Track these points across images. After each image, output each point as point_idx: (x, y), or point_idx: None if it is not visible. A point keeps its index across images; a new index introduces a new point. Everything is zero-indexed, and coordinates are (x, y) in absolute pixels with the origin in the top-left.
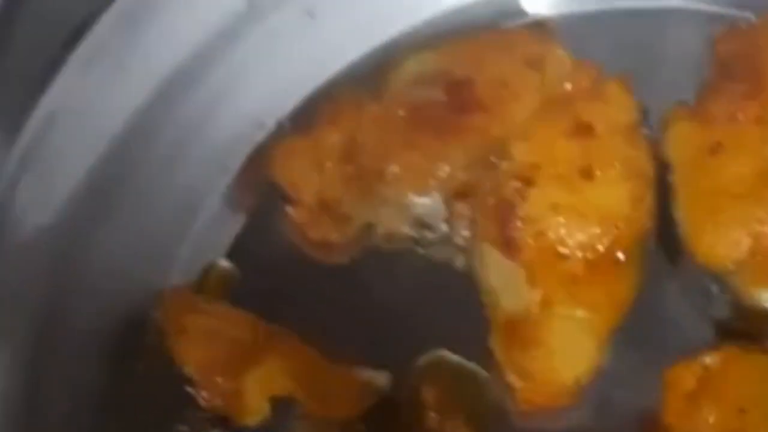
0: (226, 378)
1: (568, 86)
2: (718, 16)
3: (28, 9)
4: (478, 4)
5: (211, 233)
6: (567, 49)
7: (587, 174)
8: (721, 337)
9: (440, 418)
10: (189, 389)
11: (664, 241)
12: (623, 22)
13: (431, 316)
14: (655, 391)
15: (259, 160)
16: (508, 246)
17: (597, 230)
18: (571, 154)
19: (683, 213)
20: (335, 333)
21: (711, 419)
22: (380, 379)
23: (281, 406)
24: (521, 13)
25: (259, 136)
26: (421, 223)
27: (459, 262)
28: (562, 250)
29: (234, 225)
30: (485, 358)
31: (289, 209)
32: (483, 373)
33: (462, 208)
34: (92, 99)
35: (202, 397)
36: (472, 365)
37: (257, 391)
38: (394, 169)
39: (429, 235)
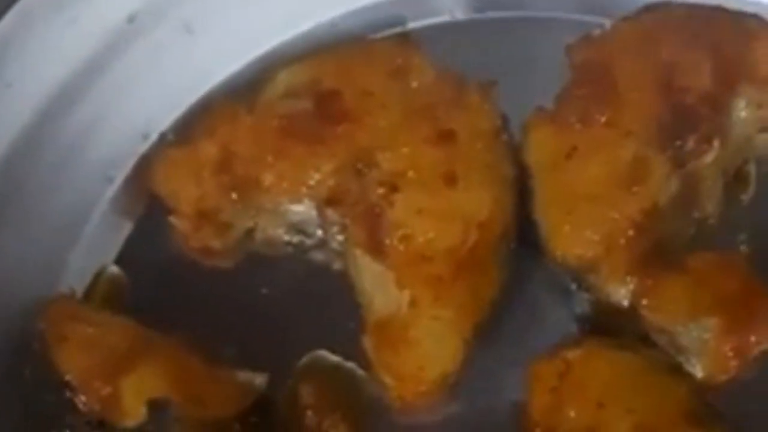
0: (103, 383)
1: (431, 95)
2: (576, 23)
3: None
4: (347, 17)
5: (99, 242)
6: (430, 59)
7: (450, 179)
8: (583, 333)
9: (318, 417)
10: (68, 394)
11: (526, 242)
12: (485, 32)
13: (311, 318)
14: (523, 385)
15: (143, 171)
16: (377, 250)
17: (460, 233)
18: (434, 161)
19: (542, 214)
20: (218, 336)
21: (572, 414)
22: (258, 380)
23: (158, 408)
24: (389, 25)
25: (143, 147)
26: (298, 229)
27: (336, 265)
28: (428, 252)
29: (122, 233)
30: (363, 357)
31: (172, 218)
32: (360, 372)
33: (333, 214)
34: None
35: (82, 402)
36: (350, 365)
37: (133, 395)
38: (267, 177)
39: (306, 240)
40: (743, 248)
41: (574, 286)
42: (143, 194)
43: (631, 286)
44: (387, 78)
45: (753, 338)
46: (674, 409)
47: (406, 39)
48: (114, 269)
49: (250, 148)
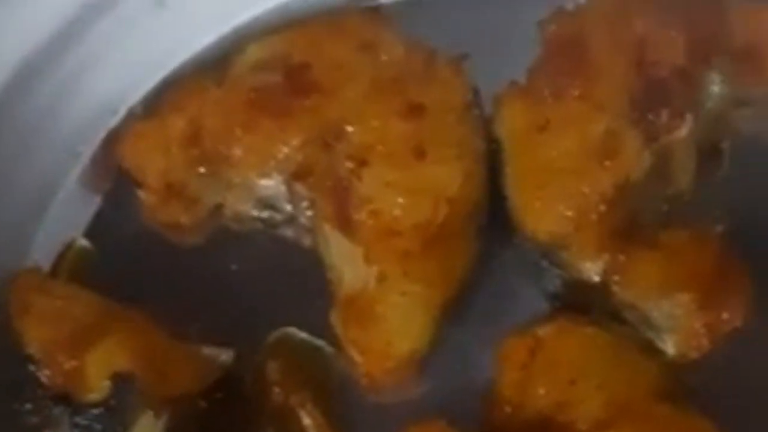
0: (67, 357)
1: (401, 69)
2: None
3: None
4: None
5: (67, 216)
6: (400, 33)
7: (419, 153)
8: (554, 310)
9: (285, 393)
10: (32, 368)
11: (497, 217)
12: (456, 6)
13: (280, 294)
14: (493, 362)
15: (112, 145)
16: (346, 225)
17: (430, 207)
18: (403, 135)
19: (513, 189)
20: (186, 311)
21: (542, 391)
22: (224, 356)
23: (122, 383)
24: None
25: (112, 122)
26: (267, 204)
27: (306, 241)
28: (397, 227)
29: (90, 208)
30: (333, 335)
31: (140, 193)
32: (329, 349)
33: (302, 189)
34: None
35: (45, 375)
36: (319, 342)
37: (97, 369)
38: (236, 151)
39: (276, 215)
40: (717, 225)
41: (545, 263)
42: (112, 169)
43: (603, 263)
44: (357, 51)
45: (725, 315)
46: (645, 386)
47: (376, 13)
48: (82, 242)
49: (218, 121)
